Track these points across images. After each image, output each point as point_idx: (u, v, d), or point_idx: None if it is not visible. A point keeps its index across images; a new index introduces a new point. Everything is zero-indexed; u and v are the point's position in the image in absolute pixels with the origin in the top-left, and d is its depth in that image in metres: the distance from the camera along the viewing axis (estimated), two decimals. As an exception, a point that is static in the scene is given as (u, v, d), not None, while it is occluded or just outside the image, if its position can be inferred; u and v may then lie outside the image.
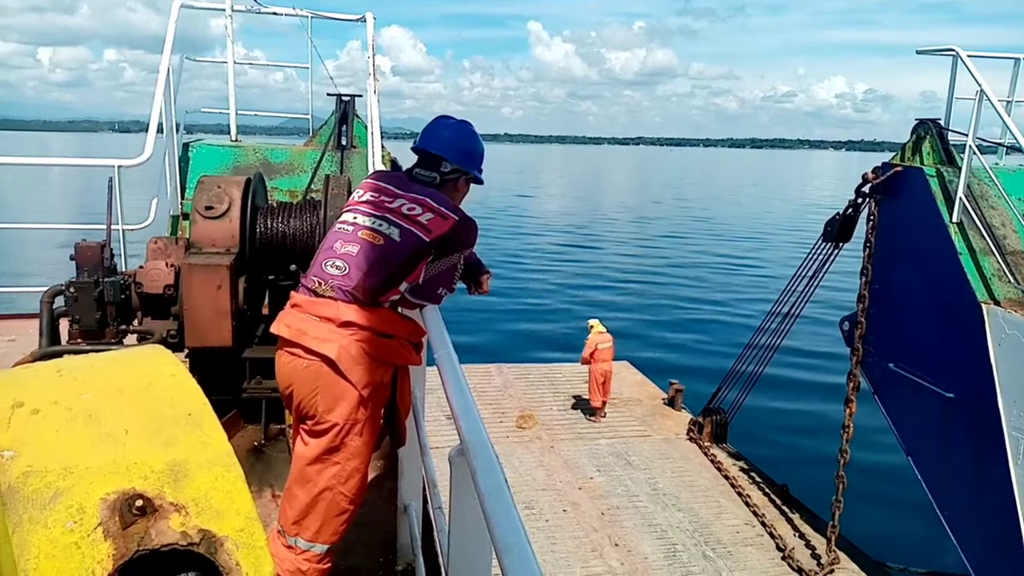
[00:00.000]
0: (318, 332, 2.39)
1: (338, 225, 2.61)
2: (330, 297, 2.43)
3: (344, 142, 6.62)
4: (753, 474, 8.14)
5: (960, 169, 6.49)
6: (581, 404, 9.48)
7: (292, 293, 2.57)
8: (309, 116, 7.19)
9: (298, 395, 2.43)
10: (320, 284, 2.45)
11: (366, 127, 6.54)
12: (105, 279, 3.64)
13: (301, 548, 2.50)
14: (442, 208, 2.55)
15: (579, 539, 6.62)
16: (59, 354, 3.51)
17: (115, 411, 1.33)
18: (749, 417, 9.18)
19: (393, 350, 2.51)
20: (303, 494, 2.47)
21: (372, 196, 2.62)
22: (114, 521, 1.16)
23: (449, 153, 2.71)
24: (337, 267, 2.45)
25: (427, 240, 2.48)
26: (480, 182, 2.85)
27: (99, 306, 3.61)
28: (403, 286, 2.49)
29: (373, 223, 2.51)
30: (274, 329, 2.52)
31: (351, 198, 2.72)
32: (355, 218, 2.57)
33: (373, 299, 2.44)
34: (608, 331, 9.30)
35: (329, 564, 2.56)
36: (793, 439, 10.54)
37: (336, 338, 2.38)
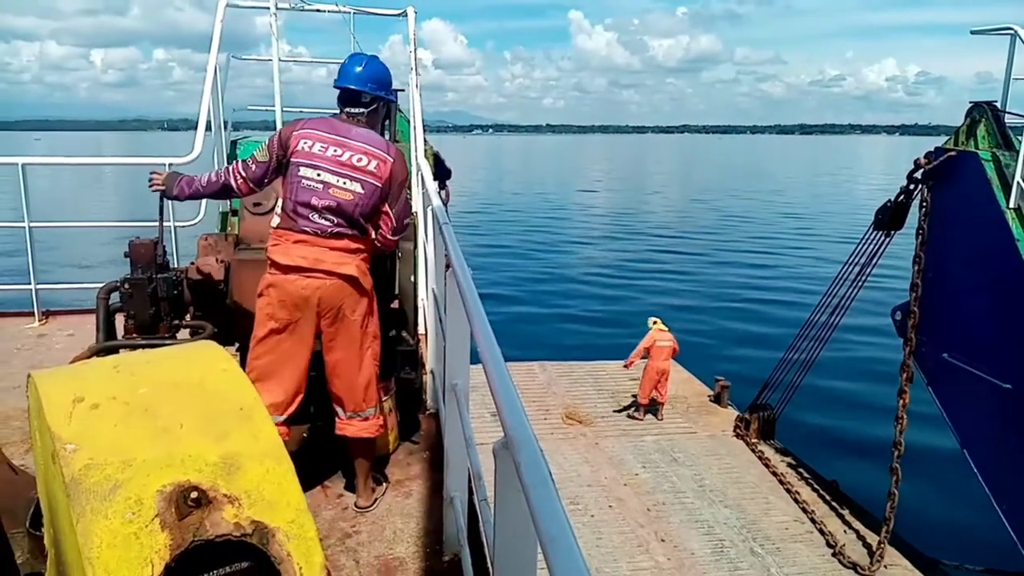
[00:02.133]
0: (335, 258, 3.19)
1: (304, 182, 3.19)
2: (335, 235, 3.19)
3: (387, 137, 6.66)
4: (801, 470, 7.99)
5: (1017, 153, 6.26)
6: (626, 401, 9.38)
7: (283, 232, 3.21)
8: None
9: (326, 305, 3.21)
10: (323, 231, 3.17)
11: (408, 121, 6.58)
12: (158, 275, 3.73)
13: (372, 414, 3.46)
14: (380, 152, 3.27)
15: (625, 534, 6.58)
16: (115, 348, 3.62)
17: (170, 405, 1.37)
18: (797, 413, 9.00)
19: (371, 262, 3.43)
20: (358, 379, 3.37)
21: (321, 148, 3.21)
22: (170, 512, 1.19)
23: (368, 86, 3.34)
24: (327, 219, 3.18)
25: (380, 185, 3.24)
26: (394, 102, 3.77)
27: (153, 301, 3.70)
28: (380, 231, 3.33)
29: (338, 181, 3.19)
30: (286, 260, 3.17)
31: (299, 147, 3.22)
32: (319, 175, 3.19)
33: (363, 232, 3.27)
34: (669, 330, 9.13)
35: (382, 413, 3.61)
36: (843, 435, 10.29)
37: (351, 260, 3.23)
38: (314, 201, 3.16)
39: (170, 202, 3.83)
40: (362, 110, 3.34)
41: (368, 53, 3.50)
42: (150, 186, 3.61)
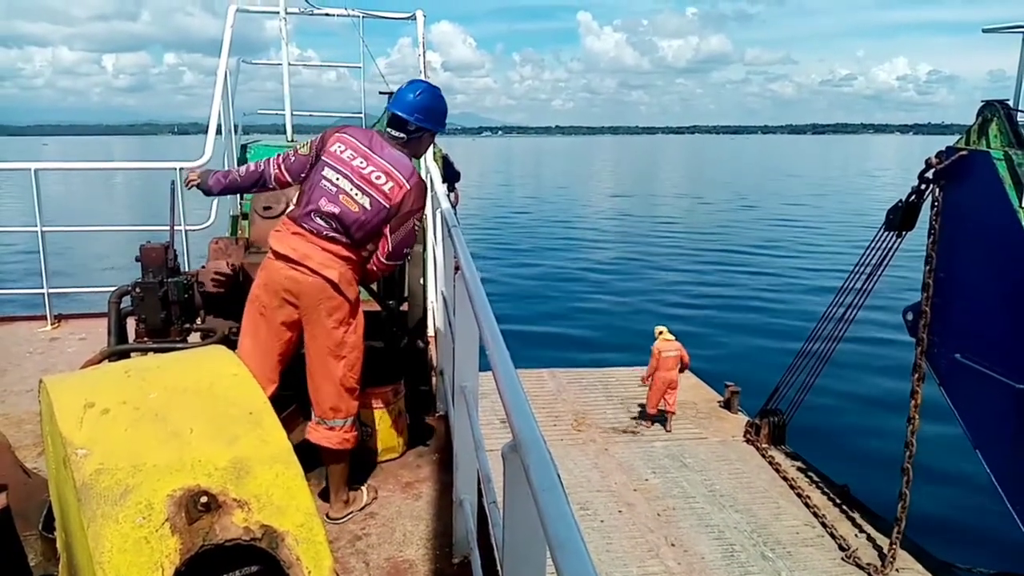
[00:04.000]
0: (322, 259, 3.22)
1: (323, 182, 3.26)
2: (329, 238, 3.23)
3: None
4: (812, 474, 7.93)
5: (1030, 152, 6.22)
6: (635, 409, 9.32)
7: (286, 220, 3.30)
8: (362, 115, 7.27)
9: (304, 302, 3.24)
10: (319, 232, 3.22)
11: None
12: (169, 279, 3.75)
13: (339, 425, 3.40)
14: (400, 176, 3.29)
15: (635, 539, 6.55)
16: (126, 352, 3.64)
17: (180, 410, 1.38)
18: (808, 417, 8.92)
19: (364, 275, 3.44)
20: (326, 385, 3.35)
21: (350, 156, 3.30)
22: (180, 517, 1.20)
23: (414, 116, 3.36)
24: (327, 223, 3.23)
25: (388, 206, 3.27)
26: (440, 131, 3.58)
27: (164, 305, 3.72)
28: (376, 252, 3.34)
29: (351, 190, 3.24)
30: (278, 247, 3.25)
31: (332, 148, 3.33)
32: (337, 179, 3.26)
33: (358, 245, 3.29)
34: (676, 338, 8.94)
35: (356, 429, 3.53)
36: (855, 439, 10.20)
37: (336, 266, 3.24)
38: (322, 203, 3.23)
39: (180, 206, 3.86)
40: (403, 136, 3.38)
41: (427, 81, 3.55)
42: (186, 184, 3.67)
